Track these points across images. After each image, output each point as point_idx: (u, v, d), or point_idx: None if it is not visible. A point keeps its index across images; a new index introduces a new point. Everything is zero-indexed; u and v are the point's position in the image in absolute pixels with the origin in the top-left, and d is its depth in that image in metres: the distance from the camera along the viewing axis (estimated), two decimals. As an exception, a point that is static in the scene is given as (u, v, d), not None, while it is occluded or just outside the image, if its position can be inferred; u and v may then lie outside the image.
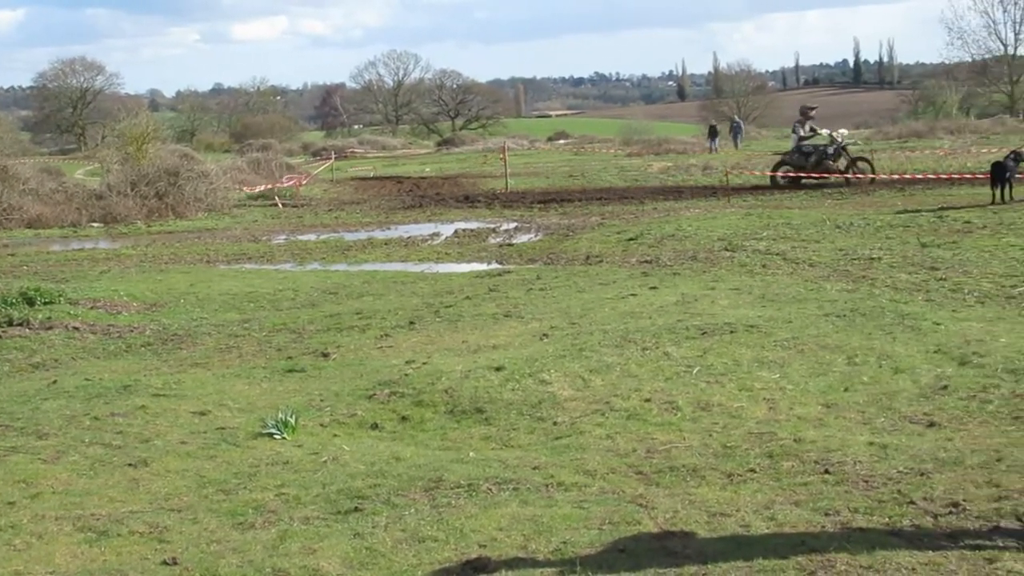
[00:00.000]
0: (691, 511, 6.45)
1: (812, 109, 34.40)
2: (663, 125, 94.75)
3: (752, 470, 7.32)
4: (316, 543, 6.23)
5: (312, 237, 26.44)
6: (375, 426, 9.20)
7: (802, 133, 33.21)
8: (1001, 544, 5.65)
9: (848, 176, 31.86)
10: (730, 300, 13.28)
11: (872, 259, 16.22)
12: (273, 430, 8.84)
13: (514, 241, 23.24)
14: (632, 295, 14.17)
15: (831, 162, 32.39)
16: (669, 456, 7.76)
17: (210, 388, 10.54)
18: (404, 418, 9.36)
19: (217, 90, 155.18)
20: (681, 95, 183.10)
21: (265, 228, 29.62)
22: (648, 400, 9.17)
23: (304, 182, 41.90)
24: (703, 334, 11.01)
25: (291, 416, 9.05)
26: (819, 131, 33.14)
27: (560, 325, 12.40)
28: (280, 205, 36.15)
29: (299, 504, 7.01)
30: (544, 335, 11.87)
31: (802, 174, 32.63)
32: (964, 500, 6.33)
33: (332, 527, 6.51)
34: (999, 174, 23.84)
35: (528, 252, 21.08)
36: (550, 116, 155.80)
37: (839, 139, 32.72)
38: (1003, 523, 5.95)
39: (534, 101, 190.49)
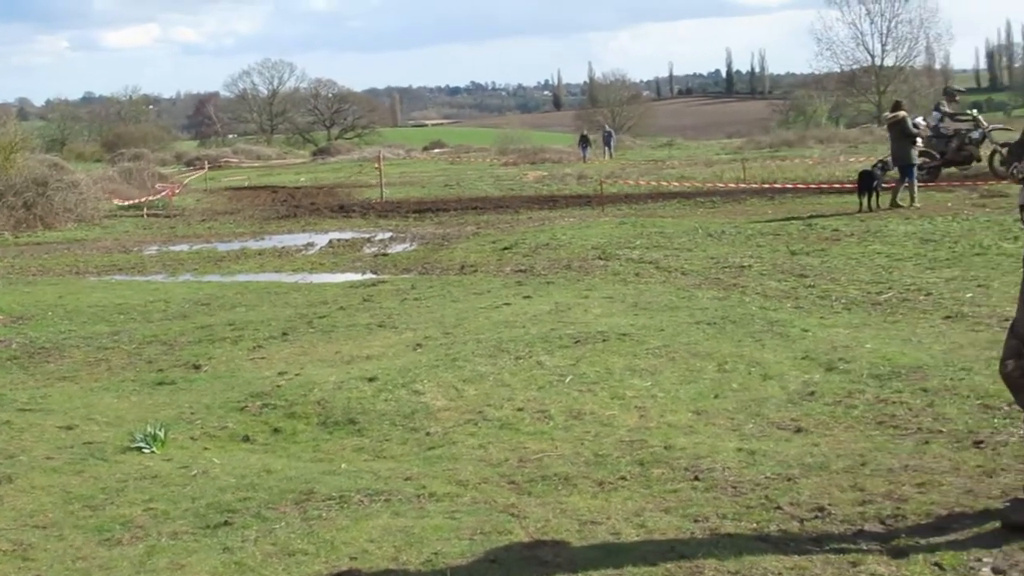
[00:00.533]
0: (562, 520, 6.47)
1: (958, 92, 31.41)
2: (539, 134, 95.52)
3: (623, 478, 7.35)
4: (184, 558, 6.14)
5: (184, 248, 26.14)
6: (246, 439, 9.08)
7: (946, 109, 29.72)
8: (865, 547, 5.75)
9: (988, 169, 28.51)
10: (603, 309, 13.36)
11: (743, 267, 16.45)
12: (142, 444, 8.68)
13: (389, 251, 23.17)
14: (506, 304, 14.18)
15: (974, 148, 29.40)
16: (541, 465, 7.78)
17: (78, 402, 10.33)
18: (276, 430, 9.25)
19: (88, 99, 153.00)
20: (557, 104, 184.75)
21: (136, 239, 29.20)
22: (521, 409, 9.18)
23: (177, 192, 41.42)
24: (576, 343, 11.05)
25: (160, 430, 8.90)
26: (963, 113, 30.00)
27: (434, 335, 12.38)
28: (145, 215, 35.65)
29: (167, 519, 6.89)
30: (418, 345, 11.84)
31: (941, 163, 29.35)
32: (829, 504, 6.43)
33: (201, 542, 6.41)
34: (866, 183, 24.36)
35: (403, 262, 21.04)
36: (426, 125, 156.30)
37: (986, 124, 29.86)
38: (867, 527, 6.05)
39: (410, 110, 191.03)
